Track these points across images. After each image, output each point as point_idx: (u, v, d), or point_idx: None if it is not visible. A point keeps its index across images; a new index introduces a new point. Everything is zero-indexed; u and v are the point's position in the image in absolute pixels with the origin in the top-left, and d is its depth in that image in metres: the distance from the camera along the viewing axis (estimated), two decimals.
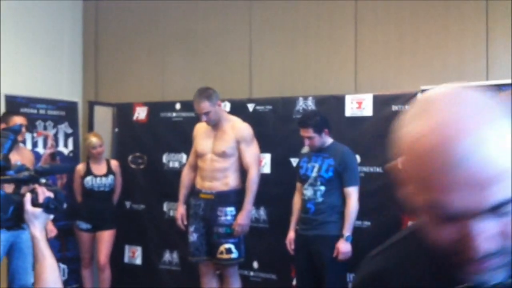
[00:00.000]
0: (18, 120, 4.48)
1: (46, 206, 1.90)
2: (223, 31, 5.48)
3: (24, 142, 4.71)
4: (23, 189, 1.97)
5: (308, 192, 4.11)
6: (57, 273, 1.86)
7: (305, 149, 4.23)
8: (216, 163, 4.38)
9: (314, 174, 4.09)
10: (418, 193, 0.76)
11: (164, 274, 5.47)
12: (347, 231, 3.97)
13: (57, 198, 1.94)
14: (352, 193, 4.01)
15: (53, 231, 4.68)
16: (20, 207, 1.88)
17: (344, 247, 3.94)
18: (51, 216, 1.95)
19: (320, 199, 4.06)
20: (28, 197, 1.89)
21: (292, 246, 4.24)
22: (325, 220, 4.03)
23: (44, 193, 1.91)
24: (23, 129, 4.48)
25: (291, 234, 4.26)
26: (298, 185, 4.28)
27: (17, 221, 1.90)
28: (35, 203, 1.89)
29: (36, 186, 1.92)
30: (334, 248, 3.95)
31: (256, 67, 5.32)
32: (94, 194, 5.10)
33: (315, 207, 4.06)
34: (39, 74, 5.69)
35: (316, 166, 4.09)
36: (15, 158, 4.15)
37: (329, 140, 4.14)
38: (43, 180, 1.96)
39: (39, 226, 1.88)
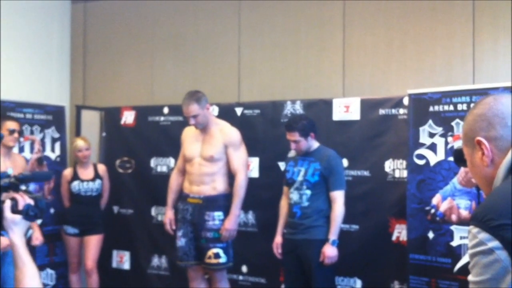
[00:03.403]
0: (10, 125, 4.46)
1: (26, 213, 1.89)
2: (212, 34, 5.48)
3: (18, 147, 4.68)
4: (3, 195, 1.96)
5: (294, 196, 4.10)
6: (37, 280, 1.85)
7: (292, 153, 4.23)
8: (204, 168, 4.37)
9: (300, 178, 4.09)
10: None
11: (153, 278, 5.45)
12: (332, 235, 3.96)
13: (37, 205, 1.93)
14: (338, 197, 4.01)
15: (38, 239, 4.67)
16: None
17: (330, 251, 3.94)
18: (29, 223, 1.94)
19: (306, 203, 4.05)
20: (7, 204, 1.89)
21: (279, 250, 4.23)
22: (311, 224, 4.02)
23: (24, 200, 1.90)
24: (16, 135, 4.45)
25: (278, 239, 4.26)
26: (285, 189, 4.27)
27: None
28: (14, 210, 1.89)
29: (15, 193, 1.92)
30: (321, 252, 3.95)
31: (245, 71, 5.32)
32: (81, 199, 5.08)
33: (301, 211, 4.06)
34: (27, 78, 5.66)
35: (302, 170, 4.09)
36: (7, 165, 4.13)
37: (315, 144, 4.14)
38: (23, 187, 1.95)
39: (19, 233, 1.88)
